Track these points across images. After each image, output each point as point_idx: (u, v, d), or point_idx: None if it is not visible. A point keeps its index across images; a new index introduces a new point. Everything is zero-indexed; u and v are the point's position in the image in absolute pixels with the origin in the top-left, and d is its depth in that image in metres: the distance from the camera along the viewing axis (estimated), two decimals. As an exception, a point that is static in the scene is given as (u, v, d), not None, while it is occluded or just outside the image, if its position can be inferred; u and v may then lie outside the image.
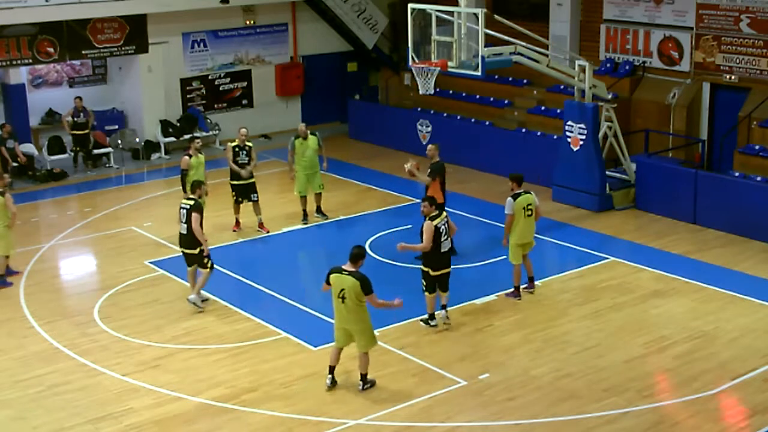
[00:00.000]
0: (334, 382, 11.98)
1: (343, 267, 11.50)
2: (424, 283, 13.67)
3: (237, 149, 17.71)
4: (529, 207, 14.44)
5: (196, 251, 14.37)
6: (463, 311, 14.29)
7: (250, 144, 17.85)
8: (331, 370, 12.00)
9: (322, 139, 18.51)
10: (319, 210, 18.64)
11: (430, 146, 16.52)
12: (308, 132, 18.16)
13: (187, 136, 24.17)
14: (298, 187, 18.25)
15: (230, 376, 12.45)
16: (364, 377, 11.94)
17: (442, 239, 13.37)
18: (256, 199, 17.84)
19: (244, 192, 17.81)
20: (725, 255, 16.54)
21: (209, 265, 14.48)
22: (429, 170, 15.98)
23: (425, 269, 13.58)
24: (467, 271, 15.93)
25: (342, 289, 11.42)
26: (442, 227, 13.38)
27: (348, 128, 25.99)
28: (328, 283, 11.64)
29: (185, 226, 14.36)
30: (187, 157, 17.08)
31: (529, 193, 14.56)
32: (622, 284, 15.32)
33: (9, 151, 21.53)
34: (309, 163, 18.10)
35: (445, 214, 13.69)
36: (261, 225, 17.99)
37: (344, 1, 25.93)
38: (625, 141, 19.57)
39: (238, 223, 18.11)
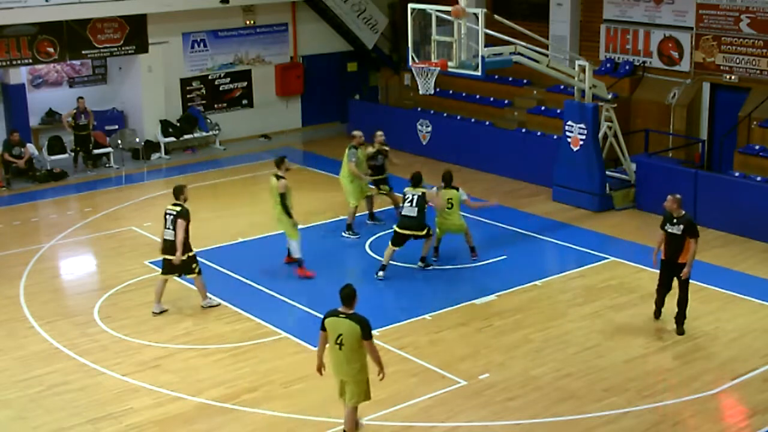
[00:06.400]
0: None
1: (339, 310, 10.07)
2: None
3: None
4: (450, 201, 15.73)
5: (184, 257, 14.09)
6: (463, 311, 14.29)
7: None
8: None
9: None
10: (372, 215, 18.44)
11: (670, 198, 13.27)
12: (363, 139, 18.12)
13: (187, 136, 24.21)
14: (354, 197, 17.72)
15: (230, 376, 12.44)
16: None
17: (405, 203, 15.52)
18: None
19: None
20: (725, 255, 16.53)
21: (197, 270, 14.35)
22: (682, 226, 13.12)
23: None
24: (467, 271, 15.93)
25: (339, 335, 10.00)
26: (409, 194, 15.47)
27: (348, 128, 25.94)
28: (323, 329, 10.17)
29: (171, 232, 14.01)
30: (284, 181, 15.41)
31: (456, 189, 15.85)
32: (622, 284, 15.31)
33: (15, 156, 21.57)
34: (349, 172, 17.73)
35: (426, 191, 15.53)
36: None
37: (344, 1, 25.92)
38: (625, 141, 19.56)
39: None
